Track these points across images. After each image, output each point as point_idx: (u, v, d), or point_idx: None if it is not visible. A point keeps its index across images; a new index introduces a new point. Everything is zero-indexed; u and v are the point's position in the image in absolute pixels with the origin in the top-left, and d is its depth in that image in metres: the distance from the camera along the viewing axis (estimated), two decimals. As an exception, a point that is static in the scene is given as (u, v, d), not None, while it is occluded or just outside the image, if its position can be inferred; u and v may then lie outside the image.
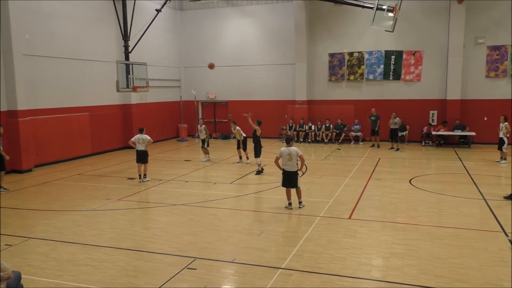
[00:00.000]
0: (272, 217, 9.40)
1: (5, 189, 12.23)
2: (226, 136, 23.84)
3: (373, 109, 20.02)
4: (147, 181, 13.06)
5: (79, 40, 17.36)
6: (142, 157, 13.17)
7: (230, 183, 12.80)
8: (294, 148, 9.73)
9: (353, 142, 20.97)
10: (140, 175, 13.19)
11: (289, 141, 9.93)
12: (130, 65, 16.95)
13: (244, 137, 15.88)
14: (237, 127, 15.92)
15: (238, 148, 16.17)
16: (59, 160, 16.31)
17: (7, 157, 12.19)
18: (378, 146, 19.61)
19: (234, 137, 16.83)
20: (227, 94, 24.27)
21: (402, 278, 6.19)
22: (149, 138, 13.29)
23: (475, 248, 7.32)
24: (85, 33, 17.70)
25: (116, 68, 16.28)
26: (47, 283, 6.29)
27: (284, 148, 9.77)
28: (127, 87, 16.75)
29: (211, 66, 13.54)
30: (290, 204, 9.81)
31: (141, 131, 13.50)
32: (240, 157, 16.18)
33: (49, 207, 10.42)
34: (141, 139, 13.20)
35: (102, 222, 9.19)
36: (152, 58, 21.01)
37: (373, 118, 19.77)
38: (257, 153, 14.32)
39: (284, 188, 9.91)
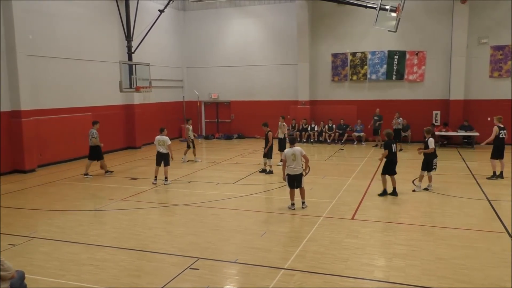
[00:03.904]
0: (275, 217, 9.40)
1: (89, 175, 13.61)
2: (229, 136, 23.85)
3: (377, 109, 19.99)
4: (169, 184, 12.46)
5: (82, 41, 17.41)
6: (162, 159, 12.48)
7: (233, 183, 12.79)
8: (298, 148, 9.71)
9: (356, 142, 20.93)
10: (156, 177, 12.55)
11: (293, 142, 9.95)
12: (133, 66, 16.94)
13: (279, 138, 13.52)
14: (284, 123, 14.44)
15: (265, 155, 13.87)
16: (62, 160, 16.35)
17: None
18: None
19: (264, 138, 13.96)
20: (230, 94, 24.28)
21: (405, 279, 6.18)
22: (167, 138, 12.52)
23: (478, 248, 7.30)
24: (88, 34, 17.75)
25: (119, 68, 16.30)
26: (50, 282, 6.31)
27: (287, 149, 9.76)
28: (130, 87, 16.74)
29: None
30: (293, 204, 9.79)
31: (161, 131, 12.74)
32: (266, 165, 14.05)
33: (52, 207, 10.45)
34: (161, 141, 12.45)
35: (105, 222, 9.22)
36: (155, 59, 21.02)
37: (376, 118, 19.72)
38: (269, 155, 13.95)
39: (287, 189, 9.89)
